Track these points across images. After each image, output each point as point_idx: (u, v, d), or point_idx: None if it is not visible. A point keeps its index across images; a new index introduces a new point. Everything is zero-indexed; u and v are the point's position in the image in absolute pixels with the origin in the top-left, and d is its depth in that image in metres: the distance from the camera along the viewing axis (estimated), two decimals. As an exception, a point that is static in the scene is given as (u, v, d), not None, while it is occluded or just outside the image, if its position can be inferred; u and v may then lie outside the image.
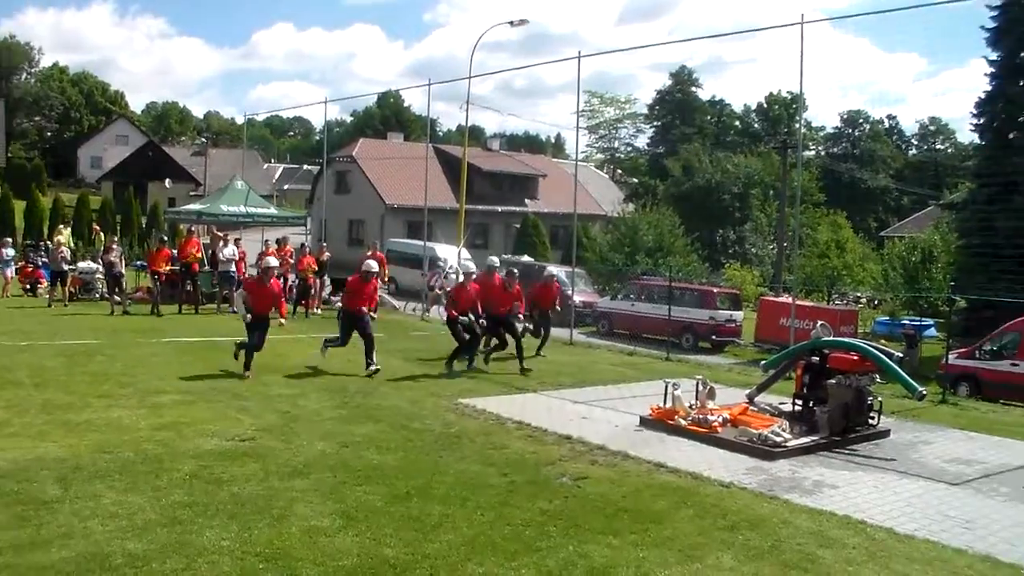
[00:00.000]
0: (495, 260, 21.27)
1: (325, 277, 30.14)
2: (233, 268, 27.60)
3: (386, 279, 31.66)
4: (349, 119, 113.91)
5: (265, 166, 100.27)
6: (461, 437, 12.15)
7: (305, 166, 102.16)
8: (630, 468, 10.90)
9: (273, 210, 38.23)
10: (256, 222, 36.21)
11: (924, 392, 14.01)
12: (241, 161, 55.24)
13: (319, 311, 28.41)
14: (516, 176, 62.89)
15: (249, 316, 16.51)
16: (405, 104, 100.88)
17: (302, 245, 29.72)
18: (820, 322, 15.40)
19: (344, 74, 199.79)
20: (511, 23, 32.44)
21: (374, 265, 18.78)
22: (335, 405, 13.99)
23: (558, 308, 23.34)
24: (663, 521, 8.80)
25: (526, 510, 8.94)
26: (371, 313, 18.56)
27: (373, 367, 17.24)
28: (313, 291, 28.67)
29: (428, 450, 11.30)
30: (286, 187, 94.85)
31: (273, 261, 17.72)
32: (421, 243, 35.71)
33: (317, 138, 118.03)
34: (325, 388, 15.47)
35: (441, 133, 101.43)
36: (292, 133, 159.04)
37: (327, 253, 30.15)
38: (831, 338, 15.06)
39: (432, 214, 35.70)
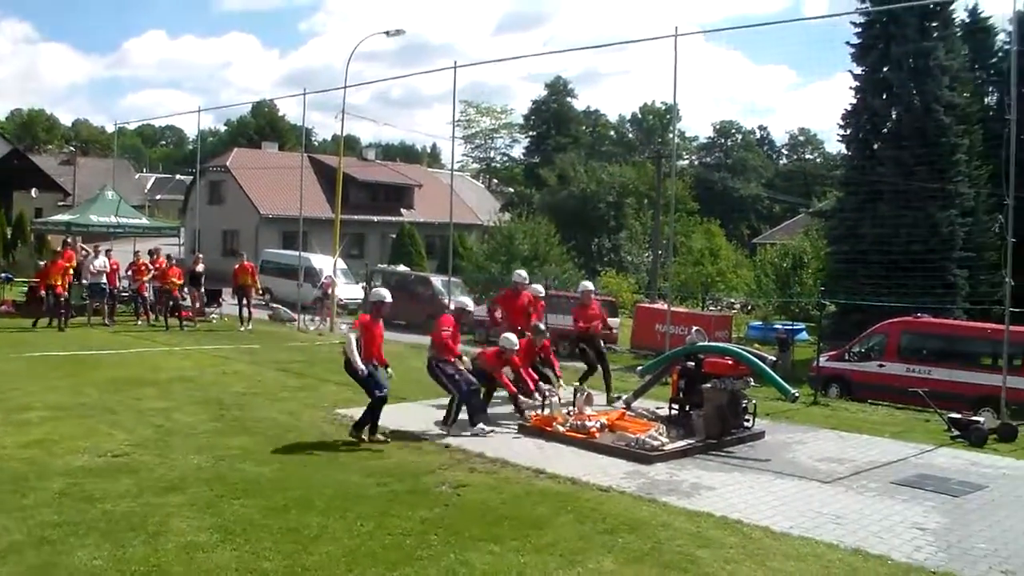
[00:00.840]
0: (523, 273, 17.63)
1: (202, 289, 29.59)
2: (104, 280, 26.98)
3: (259, 290, 31.23)
4: (223, 128, 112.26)
5: (137, 176, 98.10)
6: (339, 448, 12.03)
7: (178, 176, 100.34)
8: (509, 475, 10.92)
9: (145, 220, 37.40)
10: (127, 233, 35.37)
11: (797, 394, 14.31)
12: (112, 170, 53.89)
13: (195, 323, 27.88)
14: (392, 186, 62.73)
15: (364, 369, 12.81)
16: (280, 113, 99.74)
17: (168, 256, 29.09)
18: (695, 328, 15.60)
19: (219, 83, 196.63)
20: (387, 33, 32.30)
21: (470, 303, 16.58)
22: (210, 418, 13.74)
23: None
24: (544, 527, 8.82)
25: (406, 519, 8.89)
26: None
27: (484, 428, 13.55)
28: (185, 303, 28.15)
29: (306, 462, 11.17)
30: (158, 197, 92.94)
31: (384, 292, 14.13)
32: (296, 253, 35.32)
33: (190, 147, 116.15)
34: (200, 401, 15.18)
35: (317, 143, 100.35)
36: (164, 142, 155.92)
37: (202, 264, 29.60)
38: (706, 343, 15.28)
39: (307, 224, 35.38)
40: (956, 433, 14.99)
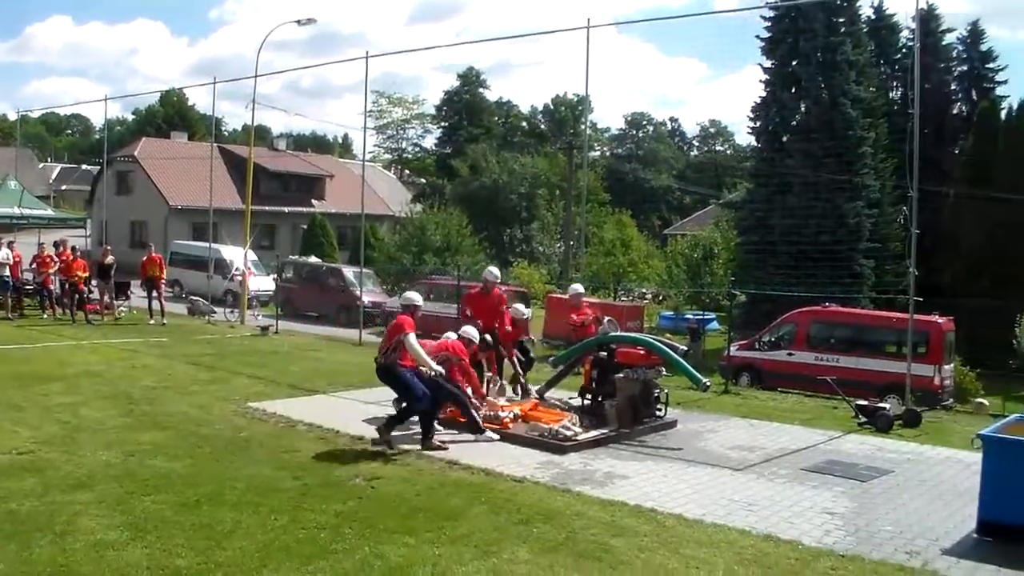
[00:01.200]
0: (494, 271, 16.77)
1: (111, 282, 28.92)
2: (7, 273, 26.35)
3: (165, 280, 30.71)
4: (131, 117, 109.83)
5: (41, 165, 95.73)
6: (251, 441, 11.90)
7: (84, 166, 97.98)
8: (423, 467, 10.88)
9: (50, 211, 36.69)
10: (32, 224, 34.58)
11: (708, 383, 14.45)
12: (14, 160, 52.58)
13: (103, 317, 27.33)
14: (303, 176, 62.17)
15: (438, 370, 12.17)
16: (190, 103, 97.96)
17: (74, 248, 28.45)
18: (607, 318, 15.65)
19: (126, 71, 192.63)
20: (298, 22, 31.90)
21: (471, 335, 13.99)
22: (119, 413, 13.49)
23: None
24: (458, 518, 8.80)
25: (320, 513, 8.81)
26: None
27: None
28: (92, 295, 27.61)
29: (218, 456, 11.01)
30: (64, 187, 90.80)
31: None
32: (206, 245, 34.84)
33: (97, 137, 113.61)
34: (108, 396, 14.89)
35: (227, 132, 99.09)
36: (70, 131, 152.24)
37: (111, 256, 28.95)
38: (618, 333, 15.35)
39: (217, 215, 34.86)
40: (863, 420, 15.27)
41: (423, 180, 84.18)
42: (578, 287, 17.11)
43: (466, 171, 65.03)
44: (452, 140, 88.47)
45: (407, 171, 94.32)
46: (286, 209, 58.00)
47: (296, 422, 13.20)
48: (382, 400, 15.12)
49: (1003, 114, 42.44)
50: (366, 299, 31.62)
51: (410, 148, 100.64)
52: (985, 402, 16.96)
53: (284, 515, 8.71)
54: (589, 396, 14.42)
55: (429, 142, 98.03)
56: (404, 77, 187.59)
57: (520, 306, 16.64)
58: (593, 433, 12.82)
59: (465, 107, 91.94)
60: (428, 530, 8.39)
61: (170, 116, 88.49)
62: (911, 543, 8.78)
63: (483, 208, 59.05)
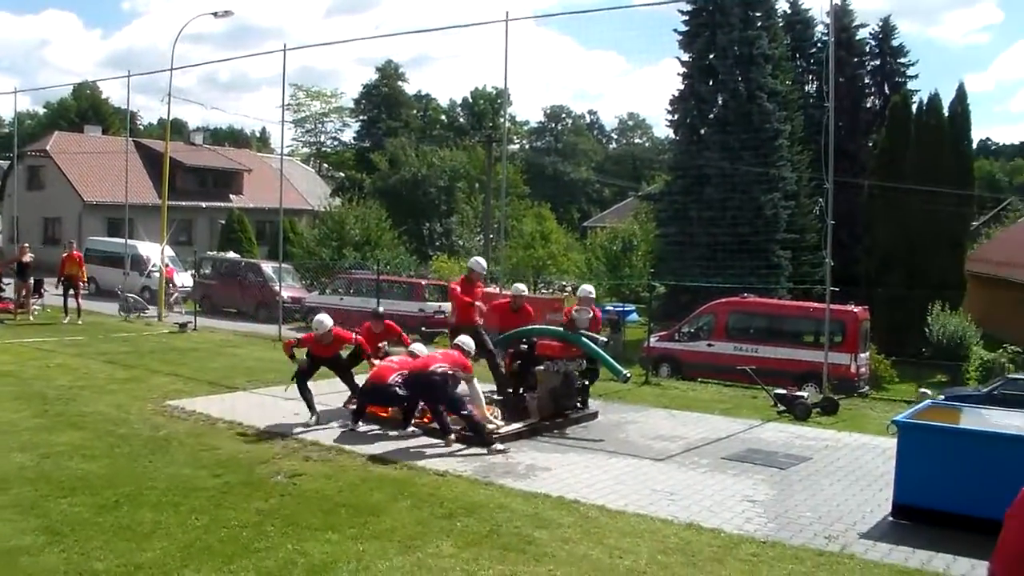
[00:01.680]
0: (480, 261, 16.23)
1: (30, 280, 28.09)
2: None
3: (85, 279, 30.08)
4: (42, 111, 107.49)
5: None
6: (171, 440, 11.72)
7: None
8: (345, 462, 10.81)
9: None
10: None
11: (628, 375, 14.51)
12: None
13: (15, 315, 26.66)
14: (220, 171, 61.39)
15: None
16: (103, 96, 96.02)
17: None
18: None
19: (36, 63, 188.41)
20: (215, 14, 31.39)
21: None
22: (33, 414, 13.19)
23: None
24: (381, 513, 8.75)
25: (242, 511, 8.71)
26: None
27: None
28: (3, 294, 27.02)
29: (136, 456, 10.83)
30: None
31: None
32: (122, 241, 34.30)
33: (7, 131, 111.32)
34: (21, 396, 14.57)
35: (142, 127, 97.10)
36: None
37: (29, 255, 28.13)
38: (538, 326, 15.39)
39: (133, 211, 34.38)
40: (782, 408, 15.47)
41: (342, 174, 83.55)
42: (588, 288, 15.84)
43: (385, 165, 64.63)
44: (371, 134, 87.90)
45: (326, 165, 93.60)
46: (204, 204, 57.27)
47: (216, 420, 13.04)
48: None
49: (914, 108, 43.24)
50: (285, 295, 31.34)
51: (329, 142, 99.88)
52: (929, 391, 17.22)
53: (205, 514, 8.59)
54: (510, 389, 14.41)
55: (348, 136, 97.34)
56: (322, 70, 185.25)
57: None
58: (515, 425, 12.82)
59: (384, 100, 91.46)
60: (351, 526, 8.33)
61: (83, 110, 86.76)
62: (830, 528, 8.92)
63: (402, 202, 58.76)
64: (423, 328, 32.44)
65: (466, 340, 13.04)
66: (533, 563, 7.55)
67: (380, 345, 14.60)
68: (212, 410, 13.66)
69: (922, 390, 14.48)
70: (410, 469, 10.55)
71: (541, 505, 9.27)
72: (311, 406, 13.11)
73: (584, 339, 14.28)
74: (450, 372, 11.98)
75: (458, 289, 15.03)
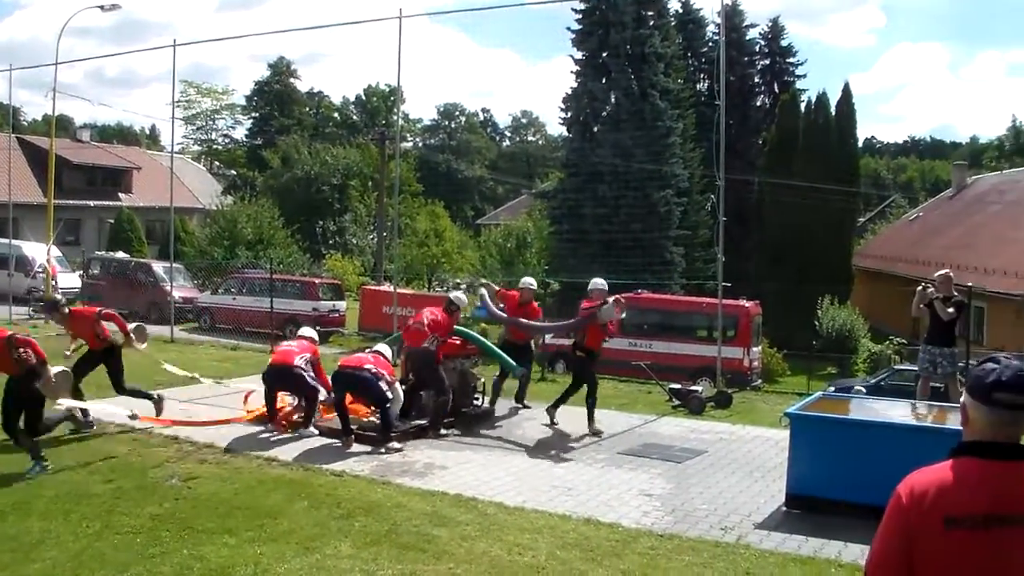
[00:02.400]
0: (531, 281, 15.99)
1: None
2: None
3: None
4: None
5: None
6: (60, 445, 11.39)
7: None
8: (241, 464, 10.62)
9: None
10: None
11: (523, 370, 14.54)
12: None
13: None
14: (109, 169, 60.03)
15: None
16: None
17: None
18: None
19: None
20: (102, 7, 30.67)
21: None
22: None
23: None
24: (278, 515, 8.61)
25: (135, 516, 8.49)
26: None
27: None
28: None
29: (23, 462, 10.50)
30: None
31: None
32: (6, 242, 33.39)
33: None
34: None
35: (26, 123, 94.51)
36: None
37: None
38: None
39: (18, 210, 33.54)
40: (677, 402, 15.66)
41: (234, 172, 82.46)
42: (599, 281, 14.77)
43: (277, 163, 64.02)
44: (263, 131, 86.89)
45: (217, 163, 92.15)
46: (91, 203, 55.95)
47: (107, 424, 12.72)
48: (196, 398, 14.79)
49: (802, 107, 44.19)
50: (177, 295, 30.80)
51: (220, 139, 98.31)
52: (863, 388, 17.38)
53: (97, 521, 8.37)
54: (406, 387, 14.31)
55: (240, 133, 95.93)
56: (213, 67, 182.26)
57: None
58: (412, 424, 12.76)
59: (276, 97, 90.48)
60: (248, 529, 8.19)
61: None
62: (725, 519, 9.03)
63: (295, 200, 58.25)
64: (317, 327, 32.20)
65: (385, 348, 13.21)
66: (433, 562, 7.51)
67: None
68: (103, 413, 13.32)
69: (856, 387, 14.66)
70: (307, 470, 10.42)
71: (439, 503, 9.22)
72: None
73: (480, 337, 14.28)
74: (380, 372, 12.03)
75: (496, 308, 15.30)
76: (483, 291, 15.55)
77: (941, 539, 2.93)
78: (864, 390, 13.32)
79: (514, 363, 14.04)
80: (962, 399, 3.12)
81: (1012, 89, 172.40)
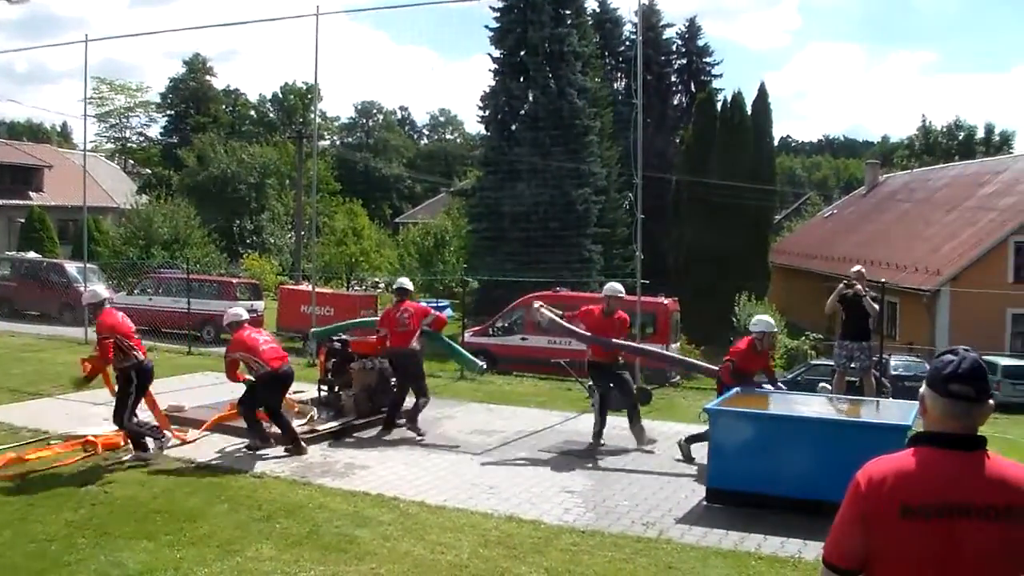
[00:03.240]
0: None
1: None
2: None
3: None
4: None
5: None
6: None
7: None
8: (159, 468, 10.47)
9: None
10: None
11: (483, 365, 14.59)
12: None
13: None
14: (19, 167, 58.80)
15: None
16: None
17: None
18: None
19: None
20: (10, 1, 30.09)
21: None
22: None
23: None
24: (198, 518, 8.50)
25: (50, 523, 8.32)
26: None
27: None
28: None
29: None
30: None
31: None
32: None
33: None
34: None
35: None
36: None
37: None
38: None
39: (-78, 210, 32.73)
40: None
41: (149, 171, 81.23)
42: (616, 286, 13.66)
43: (193, 161, 63.19)
44: (178, 129, 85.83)
45: (132, 161, 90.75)
46: (0, 202, 54.93)
47: (20, 428, 12.45)
48: (111, 401, 14.49)
49: (719, 106, 44.72)
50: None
51: (135, 137, 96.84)
52: (828, 386, 17.31)
53: (8, 529, 8.18)
54: (325, 387, 14.20)
55: (154, 131, 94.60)
56: (127, 63, 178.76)
57: None
58: (331, 424, 12.69)
59: (191, 95, 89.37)
60: (167, 533, 8.07)
61: None
62: (647, 515, 9.11)
63: (212, 199, 57.58)
64: (235, 327, 31.88)
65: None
66: (355, 562, 7.47)
67: None
68: (15, 418, 13.05)
69: (822, 385, 14.72)
70: (226, 472, 10.30)
71: (361, 503, 9.18)
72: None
73: (446, 339, 14.29)
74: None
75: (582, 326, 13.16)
76: (541, 311, 13.44)
77: (897, 527, 2.98)
78: (784, 386, 13.47)
79: (476, 361, 14.08)
80: (921, 390, 3.17)
81: (922, 89, 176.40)
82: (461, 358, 14.22)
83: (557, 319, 13.21)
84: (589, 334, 13.02)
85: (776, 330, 13.30)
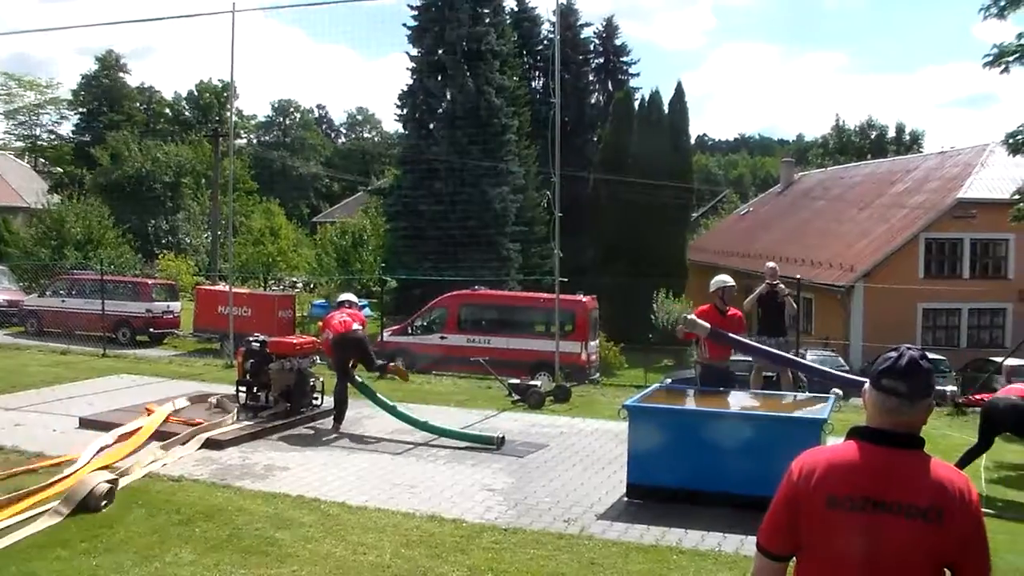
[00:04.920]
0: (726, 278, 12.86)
1: None
2: None
3: None
4: None
5: None
6: None
7: None
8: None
9: None
10: None
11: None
12: None
13: None
14: (-77, 166, 57.73)
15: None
16: None
17: None
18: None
19: None
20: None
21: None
22: None
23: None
24: (114, 525, 8.35)
25: (-46, 536, 8.09)
26: None
27: None
28: None
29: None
30: None
31: None
32: None
33: None
34: None
35: None
36: None
37: None
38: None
39: None
40: (516, 397, 15.77)
41: (60, 169, 79.76)
42: (726, 277, 12.90)
43: (107, 160, 62.21)
44: (91, 127, 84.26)
45: (43, 160, 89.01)
46: (-96, 203, 53.73)
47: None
48: (25, 405, 14.31)
49: (636, 104, 45.08)
50: (1, 298, 29.73)
51: (45, 135, 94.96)
52: (839, 391, 16.38)
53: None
54: (244, 388, 14.06)
55: (66, 129, 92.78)
56: (38, 59, 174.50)
57: None
58: (249, 424, 12.59)
59: (104, 92, 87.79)
60: (83, 540, 7.91)
61: None
62: (568, 511, 9.17)
63: (126, 198, 56.76)
64: (151, 329, 31.50)
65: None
66: (276, 564, 7.42)
67: None
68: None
69: (834, 390, 14.51)
70: (143, 476, 10.14)
71: (281, 505, 9.11)
72: None
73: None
74: None
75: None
76: (690, 319, 11.93)
77: (823, 516, 3.06)
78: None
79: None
80: (865, 385, 3.24)
81: (836, 89, 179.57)
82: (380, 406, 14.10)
83: (706, 324, 11.64)
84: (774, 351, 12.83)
85: (731, 283, 12.55)
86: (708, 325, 11.59)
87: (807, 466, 3.15)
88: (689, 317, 12.10)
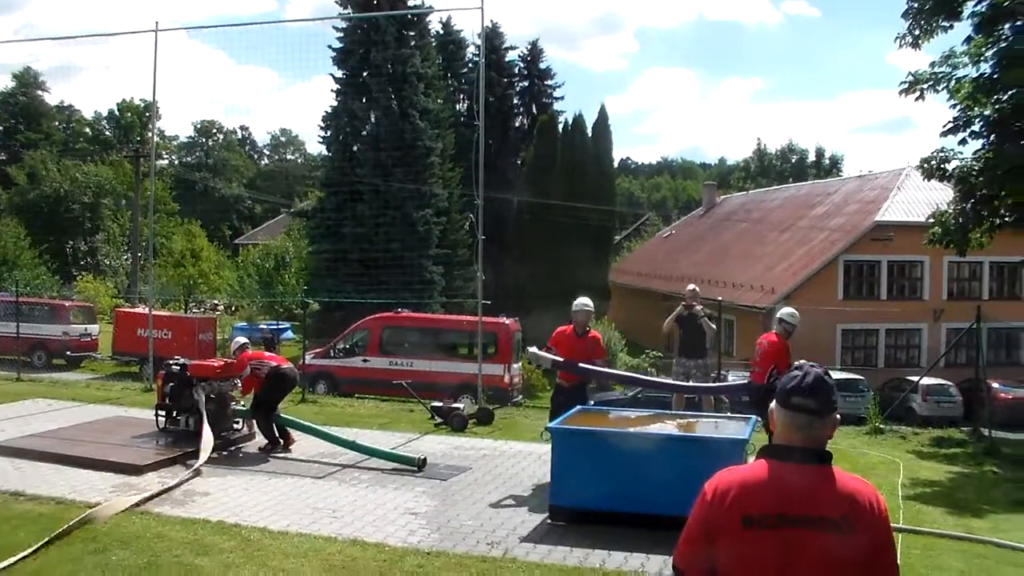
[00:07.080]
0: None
1: None
2: None
3: None
4: None
5: None
6: None
7: None
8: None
9: None
10: None
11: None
12: None
13: None
14: None
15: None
16: None
17: None
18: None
19: None
20: None
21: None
22: None
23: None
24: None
25: None
26: None
27: None
28: None
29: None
30: None
31: None
32: None
33: None
34: None
35: None
36: None
37: None
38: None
39: None
40: (439, 420, 15.76)
41: (-27, 190, 78.36)
42: (791, 311, 12.60)
43: (23, 179, 61.24)
44: (7, 146, 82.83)
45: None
46: None
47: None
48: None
49: (560, 128, 45.38)
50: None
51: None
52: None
53: None
54: (163, 412, 13.82)
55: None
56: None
57: None
58: (170, 452, 12.40)
59: (22, 110, 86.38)
60: (-8, 571, 7.73)
61: None
62: (492, 534, 9.15)
63: (43, 219, 55.92)
64: (68, 352, 30.99)
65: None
66: (195, 591, 7.31)
67: None
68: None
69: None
70: (58, 503, 9.89)
71: (201, 531, 8.97)
72: None
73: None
74: None
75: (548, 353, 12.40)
76: (532, 352, 12.96)
77: (739, 536, 3.07)
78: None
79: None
80: (771, 404, 3.26)
81: (755, 114, 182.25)
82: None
83: (550, 356, 12.23)
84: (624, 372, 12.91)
85: (588, 306, 12.44)
86: (552, 357, 12.05)
87: (721, 487, 3.17)
88: (531, 350, 12.80)
